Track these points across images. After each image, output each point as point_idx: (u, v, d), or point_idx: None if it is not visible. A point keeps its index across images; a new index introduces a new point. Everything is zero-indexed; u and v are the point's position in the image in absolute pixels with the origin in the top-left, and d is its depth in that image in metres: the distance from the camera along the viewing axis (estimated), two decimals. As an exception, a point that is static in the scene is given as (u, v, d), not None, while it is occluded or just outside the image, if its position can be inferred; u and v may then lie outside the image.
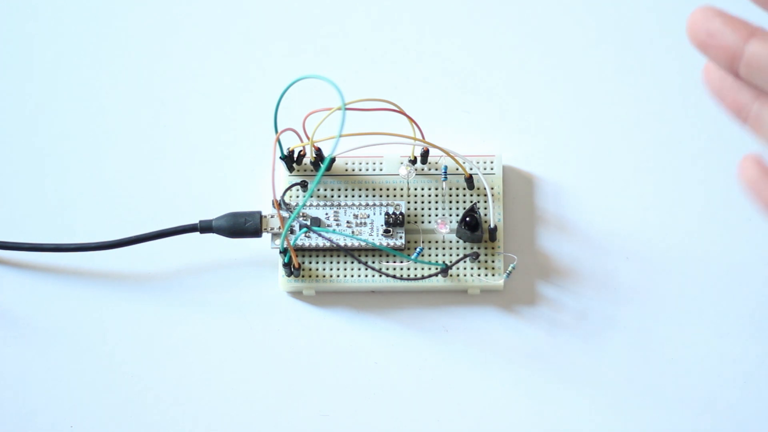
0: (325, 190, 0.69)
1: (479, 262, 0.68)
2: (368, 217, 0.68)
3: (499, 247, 0.68)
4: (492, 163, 0.69)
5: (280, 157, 0.68)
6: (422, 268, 0.68)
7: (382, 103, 0.65)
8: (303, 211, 0.68)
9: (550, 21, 0.72)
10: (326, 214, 0.68)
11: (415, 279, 0.67)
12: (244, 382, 0.68)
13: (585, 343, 0.68)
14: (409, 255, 0.67)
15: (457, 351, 0.68)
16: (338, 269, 0.68)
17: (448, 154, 0.66)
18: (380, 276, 0.67)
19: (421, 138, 0.66)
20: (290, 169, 0.69)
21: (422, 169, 0.69)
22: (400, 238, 0.67)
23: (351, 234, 0.67)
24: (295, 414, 0.67)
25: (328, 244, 0.67)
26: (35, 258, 0.70)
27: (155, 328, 0.68)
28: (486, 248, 0.68)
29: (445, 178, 0.68)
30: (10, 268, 0.70)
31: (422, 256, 0.68)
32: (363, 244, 0.67)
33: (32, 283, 0.69)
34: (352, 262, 0.68)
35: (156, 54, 0.72)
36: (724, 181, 0.69)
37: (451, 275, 0.67)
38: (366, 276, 0.67)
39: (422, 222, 0.68)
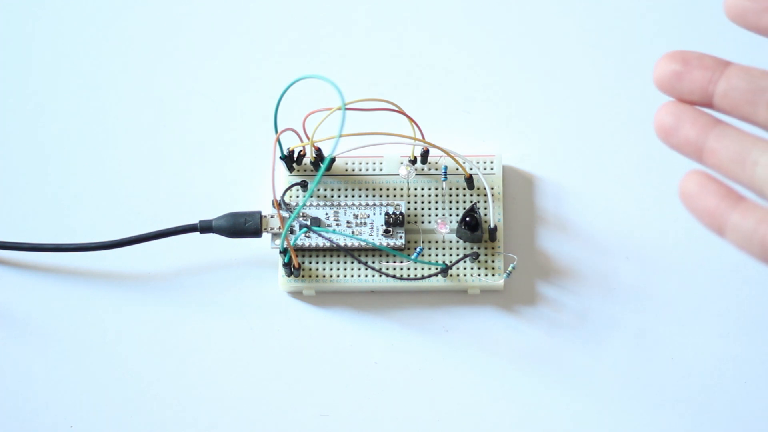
0: (325, 190, 0.69)
1: (479, 262, 0.68)
2: (368, 217, 0.68)
3: (499, 247, 0.68)
4: (492, 163, 0.69)
5: (280, 157, 0.68)
6: (422, 268, 0.68)
7: (382, 103, 0.65)
8: (303, 211, 0.68)
9: (550, 21, 0.72)
10: (326, 214, 0.68)
11: (415, 279, 0.67)
12: (244, 382, 0.68)
13: (585, 343, 0.68)
14: (409, 255, 0.67)
15: (457, 351, 0.68)
16: (338, 269, 0.68)
17: (448, 154, 0.66)
18: (380, 276, 0.67)
19: (421, 138, 0.66)
20: (290, 169, 0.69)
21: (422, 169, 0.69)
22: (400, 238, 0.67)
23: (351, 234, 0.67)
24: (295, 414, 0.67)
25: (328, 244, 0.67)
26: (35, 258, 0.70)
27: (155, 328, 0.68)
28: (486, 248, 0.68)
29: (445, 178, 0.68)
30: (10, 268, 0.70)
31: (422, 256, 0.68)
32: (363, 244, 0.67)
33: (32, 283, 0.69)
34: (352, 262, 0.68)
35: (156, 54, 0.72)
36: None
37: (451, 275, 0.67)
38: (366, 276, 0.67)
39: (422, 222, 0.68)
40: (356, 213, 0.68)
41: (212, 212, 0.68)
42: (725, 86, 0.49)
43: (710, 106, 0.50)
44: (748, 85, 0.49)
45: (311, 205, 0.68)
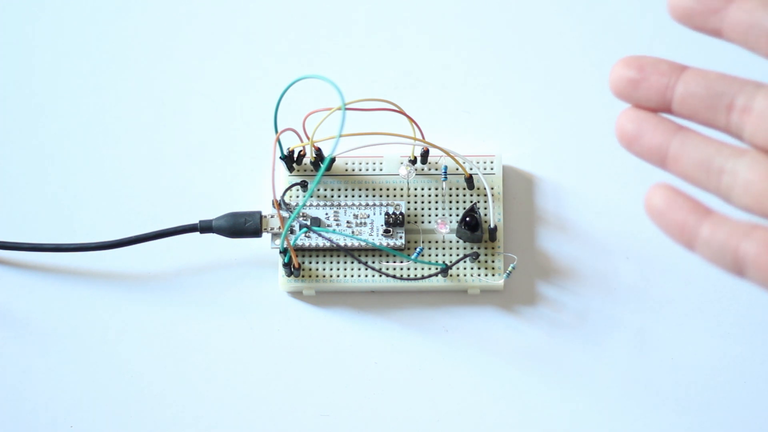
0: (325, 190, 0.69)
1: (479, 262, 0.68)
2: (368, 217, 0.68)
3: (499, 247, 0.68)
4: (492, 163, 0.69)
5: (280, 157, 0.68)
6: (422, 268, 0.68)
7: (382, 103, 0.65)
8: (303, 211, 0.68)
9: (550, 21, 0.72)
10: (326, 214, 0.68)
11: (415, 279, 0.67)
12: (244, 382, 0.68)
13: (585, 343, 0.68)
14: (409, 255, 0.67)
15: (457, 351, 0.68)
16: (338, 269, 0.68)
17: (448, 154, 0.66)
18: (380, 276, 0.67)
19: (421, 138, 0.66)
20: (290, 169, 0.69)
21: (422, 169, 0.69)
22: (400, 238, 0.67)
23: (351, 234, 0.67)
24: (295, 414, 0.67)
25: (328, 244, 0.67)
26: (35, 258, 0.70)
27: (155, 328, 0.68)
28: (486, 248, 0.68)
29: (445, 178, 0.68)
30: (10, 268, 0.70)
31: (422, 256, 0.68)
32: (363, 244, 0.67)
33: (32, 283, 0.69)
34: (352, 262, 0.68)
35: (156, 54, 0.72)
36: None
37: (451, 275, 0.67)
38: (366, 276, 0.67)
39: (422, 222, 0.68)
40: (356, 213, 0.68)
41: (212, 212, 0.68)
42: (683, 92, 0.48)
43: (669, 111, 0.48)
44: (706, 90, 0.48)
45: (311, 205, 0.68)
